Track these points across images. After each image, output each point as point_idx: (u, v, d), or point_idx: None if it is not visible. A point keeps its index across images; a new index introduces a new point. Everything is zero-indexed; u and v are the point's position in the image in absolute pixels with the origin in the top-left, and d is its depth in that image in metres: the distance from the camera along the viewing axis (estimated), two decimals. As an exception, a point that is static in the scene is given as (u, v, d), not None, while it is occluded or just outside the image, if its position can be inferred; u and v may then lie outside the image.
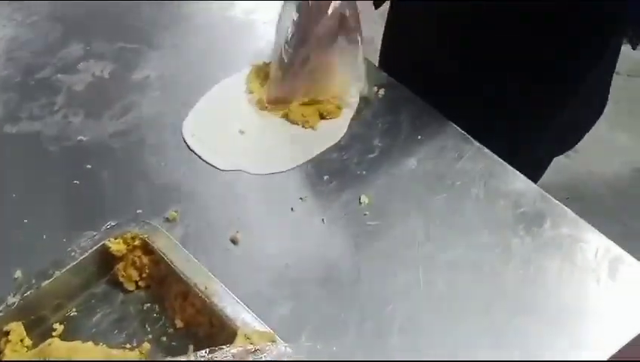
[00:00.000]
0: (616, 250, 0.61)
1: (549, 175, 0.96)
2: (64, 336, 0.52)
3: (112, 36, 0.87)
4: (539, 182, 0.87)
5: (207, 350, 0.45)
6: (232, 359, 0.44)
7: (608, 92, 0.88)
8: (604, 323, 0.56)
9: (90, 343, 0.49)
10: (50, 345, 0.47)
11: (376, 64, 0.84)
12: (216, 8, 0.91)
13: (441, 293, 0.58)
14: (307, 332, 0.55)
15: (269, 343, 0.48)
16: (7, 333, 0.51)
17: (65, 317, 0.55)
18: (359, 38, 0.72)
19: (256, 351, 0.46)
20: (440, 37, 0.79)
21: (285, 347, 0.47)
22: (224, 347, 0.46)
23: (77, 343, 0.48)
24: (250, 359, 0.46)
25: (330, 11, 0.69)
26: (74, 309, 0.56)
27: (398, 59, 0.86)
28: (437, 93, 0.75)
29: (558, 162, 0.99)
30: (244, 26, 0.88)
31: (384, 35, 0.93)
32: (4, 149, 0.73)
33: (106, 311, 0.57)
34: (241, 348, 0.46)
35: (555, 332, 0.55)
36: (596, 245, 0.61)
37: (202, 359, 0.44)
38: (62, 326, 0.54)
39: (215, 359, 0.44)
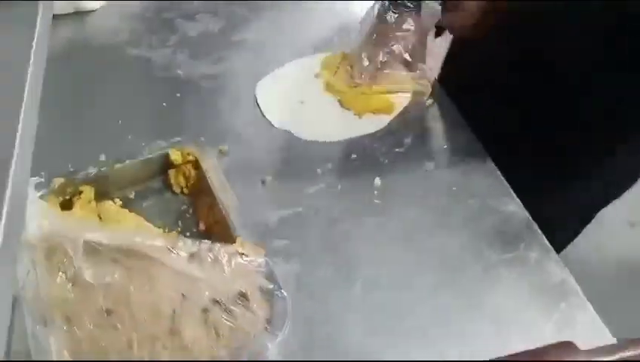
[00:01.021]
0: (580, 297, 0.69)
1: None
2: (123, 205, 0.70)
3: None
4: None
5: (210, 242, 0.61)
6: (221, 253, 0.60)
7: None
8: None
9: (133, 214, 0.67)
10: (104, 205, 0.64)
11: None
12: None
13: (418, 262, 0.70)
14: (293, 263, 0.69)
15: (255, 256, 0.63)
16: (81, 193, 0.69)
17: (124, 196, 0.73)
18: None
19: (242, 254, 0.61)
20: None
21: (266, 259, 0.62)
22: (221, 244, 0.61)
23: (125, 210, 0.65)
24: (239, 260, 0.61)
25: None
26: (132, 192, 0.74)
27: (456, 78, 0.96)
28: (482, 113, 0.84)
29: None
30: (342, 15, 1.02)
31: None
32: (121, 65, 0.93)
33: (154, 202, 0.74)
34: (232, 250, 0.61)
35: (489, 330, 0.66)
36: (560, 279, 0.70)
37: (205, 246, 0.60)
38: (120, 202, 0.72)
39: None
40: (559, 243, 0.76)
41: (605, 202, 1.00)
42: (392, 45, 0.88)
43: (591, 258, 1.61)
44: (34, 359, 0.55)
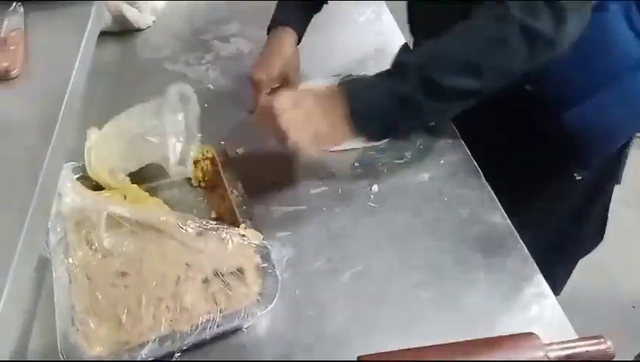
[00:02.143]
0: (552, 300, 0.74)
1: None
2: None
3: (262, 25, 1.16)
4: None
5: (216, 222, 0.70)
6: (224, 233, 0.68)
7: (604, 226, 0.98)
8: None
9: (154, 198, 0.77)
10: (130, 188, 0.75)
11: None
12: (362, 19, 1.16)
13: (404, 260, 0.77)
14: (288, 249, 0.77)
15: (255, 239, 0.71)
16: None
17: (149, 187, 0.83)
18: None
19: (243, 236, 0.70)
20: None
21: (264, 242, 0.70)
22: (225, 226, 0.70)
23: (146, 194, 0.76)
24: (239, 241, 0.70)
25: None
26: (155, 184, 0.84)
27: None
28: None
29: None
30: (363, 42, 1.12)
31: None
32: (160, 79, 1.04)
33: (175, 193, 0.84)
34: (234, 232, 0.70)
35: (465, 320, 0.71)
36: (536, 287, 0.75)
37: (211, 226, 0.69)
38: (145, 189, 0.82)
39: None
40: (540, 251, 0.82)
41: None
42: None
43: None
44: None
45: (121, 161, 0.76)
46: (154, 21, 1.16)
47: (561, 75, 0.83)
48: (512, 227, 0.82)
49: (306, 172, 0.88)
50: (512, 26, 0.70)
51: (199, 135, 0.81)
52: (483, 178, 0.88)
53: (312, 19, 0.98)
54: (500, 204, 0.84)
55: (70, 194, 0.71)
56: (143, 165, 0.79)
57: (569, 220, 0.99)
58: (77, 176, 0.77)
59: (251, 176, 0.85)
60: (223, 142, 0.90)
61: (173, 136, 0.75)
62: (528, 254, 0.78)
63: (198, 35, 1.14)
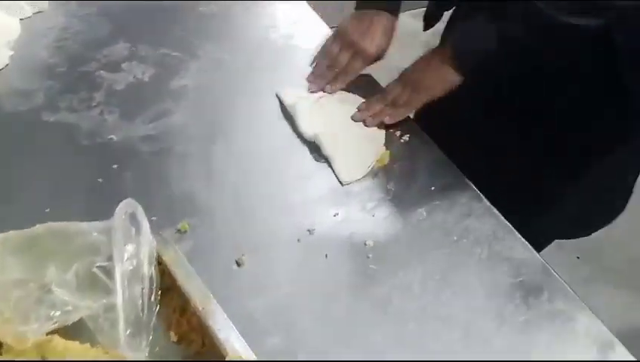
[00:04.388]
0: (607, 335, 0.61)
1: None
2: (65, 331, 0.55)
3: (157, 41, 0.91)
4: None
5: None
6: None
7: (629, 195, 0.88)
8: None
9: (87, 345, 0.52)
10: (50, 342, 0.49)
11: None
12: (260, 29, 0.95)
13: (429, 350, 0.59)
14: (292, 365, 0.57)
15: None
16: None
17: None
18: None
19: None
20: (473, 100, 0.81)
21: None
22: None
23: (75, 344, 0.51)
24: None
25: None
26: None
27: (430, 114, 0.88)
28: (459, 150, 0.77)
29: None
30: (284, 50, 0.91)
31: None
32: (38, 136, 0.77)
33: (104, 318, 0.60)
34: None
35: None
36: (589, 327, 0.62)
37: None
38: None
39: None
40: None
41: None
42: None
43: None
44: None
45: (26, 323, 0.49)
46: (11, 56, 0.86)
47: None
48: (540, 257, 0.68)
49: (276, 238, 0.68)
50: None
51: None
52: (485, 199, 0.73)
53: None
54: (515, 230, 0.70)
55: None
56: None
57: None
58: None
59: (208, 261, 0.63)
60: (154, 218, 0.67)
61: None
62: (569, 288, 0.65)
63: (77, 66, 0.86)
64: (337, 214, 0.70)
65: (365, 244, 0.67)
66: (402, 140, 0.79)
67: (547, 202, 0.85)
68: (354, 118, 0.80)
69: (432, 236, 0.69)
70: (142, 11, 0.95)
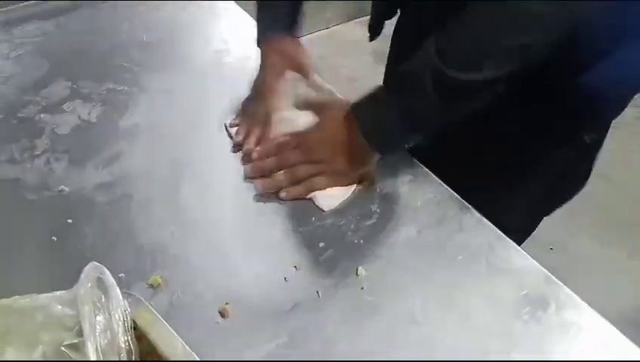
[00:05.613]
0: (622, 339, 0.58)
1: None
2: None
3: (99, 76, 0.84)
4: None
5: None
6: None
7: (590, 168, 0.87)
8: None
9: None
10: None
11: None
12: (210, 52, 0.89)
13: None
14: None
15: None
16: None
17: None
18: None
19: None
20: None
21: None
22: None
23: None
24: None
25: None
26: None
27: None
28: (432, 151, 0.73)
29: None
30: (239, 73, 0.85)
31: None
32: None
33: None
34: None
35: None
36: (601, 333, 0.59)
37: None
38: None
39: None
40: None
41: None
42: None
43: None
44: None
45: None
46: None
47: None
48: (542, 268, 0.64)
49: (261, 282, 0.62)
50: None
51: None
52: (474, 210, 0.69)
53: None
54: (510, 240, 0.66)
55: None
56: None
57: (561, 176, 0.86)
58: None
59: (187, 316, 0.57)
60: (122, 275, 0.60)
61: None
62: (580, 299, 0.61)
63: (14, 111, 0.78)
64: (323, 244, 0.65)
65: (357, 274, 0.62)
66: (377, 158, 0.74)
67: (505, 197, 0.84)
68: (247, 175, 0.71)
69: (425, 256, 0.64)
70: (79, 45, 0.88)
